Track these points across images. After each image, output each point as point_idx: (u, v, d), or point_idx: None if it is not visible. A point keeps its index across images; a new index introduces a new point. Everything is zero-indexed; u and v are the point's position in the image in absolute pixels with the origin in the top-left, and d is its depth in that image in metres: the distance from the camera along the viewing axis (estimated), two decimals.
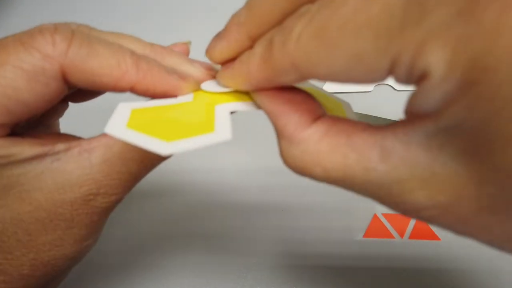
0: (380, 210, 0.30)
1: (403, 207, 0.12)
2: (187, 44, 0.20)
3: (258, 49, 0.13)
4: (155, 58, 0.17)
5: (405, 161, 0.11)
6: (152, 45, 0.18)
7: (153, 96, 0.16)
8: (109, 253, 0.28)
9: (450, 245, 0.29)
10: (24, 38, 0.14)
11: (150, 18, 0.47)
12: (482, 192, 0.10)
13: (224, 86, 0.16)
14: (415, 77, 0.10)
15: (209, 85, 0.17)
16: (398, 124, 0.12)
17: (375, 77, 0.11)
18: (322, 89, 0.18)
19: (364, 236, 0.29)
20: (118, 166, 0.15)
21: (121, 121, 0.13)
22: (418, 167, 0.11)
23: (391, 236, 0.29)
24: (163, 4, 0.48)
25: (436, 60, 0.09)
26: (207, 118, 0.14)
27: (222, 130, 0.13)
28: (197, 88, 0.17)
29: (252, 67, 0.13)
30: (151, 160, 0.16)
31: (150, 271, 0.28)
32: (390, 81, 0.11)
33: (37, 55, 0.14)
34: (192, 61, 0.18)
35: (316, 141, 0.13)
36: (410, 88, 0.11)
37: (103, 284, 0.27)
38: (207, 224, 0.29)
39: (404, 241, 0.29)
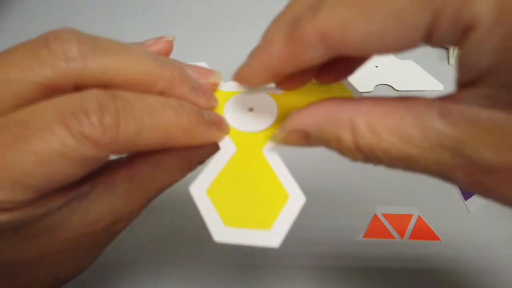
0: (380, 210, 0.30)
1: (473, 170, 0.11)
2: (171, 42, 0.18)
3: (280, 28, 0.13)
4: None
5: (467, 118, 0.11)
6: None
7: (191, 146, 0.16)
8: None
9: (450, 245, 0.29)
10: (72, 122, 0.12)
11: (150, 18, 0.47)
12: None
13: (242, 83, 0.17)
14: (462, 28, 0.09)
15: (227, 87, 0.17)
16: (454, 93, 0.11)
17: (413, 38, 0.11)
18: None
19: (364, 236, 0.29)
20: (139, 194, 0.16)
21: (205, 184, 0.15)
22: (482, 124, 0.10)
23: (391, 236, 0.29)
24: (163, 4, 0.48)
25: (485, 3, 0.09)
26: (270, 190, 0.15)
27: (274, 233, 0.14)
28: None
29: (275, 46, 0.13)
30: (168, 186, 0.17)
31: (150, 273, 0.28)
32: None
33: (86, 144, 0.12)
34: (199, 88, 0.17)
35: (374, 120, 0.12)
36: (452, 47, 0.10)
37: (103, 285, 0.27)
38: (203, 223, 0.29)
39: (404, 241, 0.29)
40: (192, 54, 0.43)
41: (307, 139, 0.15)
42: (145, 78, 0.14)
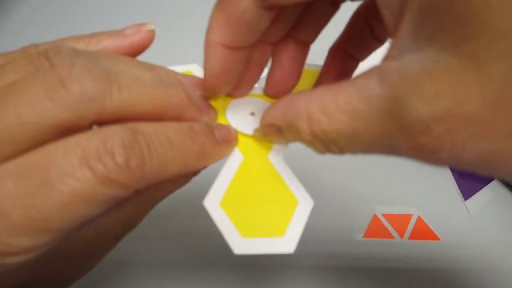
0: (380, 210, 0.30)
1: (412, 131, 0.10)
2: (153, 31, 0.17)
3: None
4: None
5: (399, 72, 0.10)
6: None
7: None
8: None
9: (450, 245, 0.29)
10: (97, 166, 0.12)
11: (149, 18, 0.47)
12: (483, 80, 0.09)
13: (213, 90, 0.17)
14: None
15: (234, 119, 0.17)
16: (389, 48, 0.11)
17: None
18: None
19: (364, 236, 0.29)
20: (147, 204, 0.17)
21: (218, 197, 0.15)
22: (414, 74, 0.10)
23: (391, 236, 0.29)
24: (158, 3, 0.48)
25: None
26: (280, 196, 0.15)
27: (289, 239, 0.15)
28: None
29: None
30: (172, 192, 0.17)
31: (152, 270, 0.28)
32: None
33: (113, 186, 0.12)
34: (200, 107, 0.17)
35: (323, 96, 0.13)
36: None
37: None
38: (206, 223, 0.29)
39: (404, 241, 0.29)
40: (185, 54, 0.43)
41: (280, 132, 0.15)
42: (159, 109, 0.14)
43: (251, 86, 0.18)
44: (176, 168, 0.14)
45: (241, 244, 0.14)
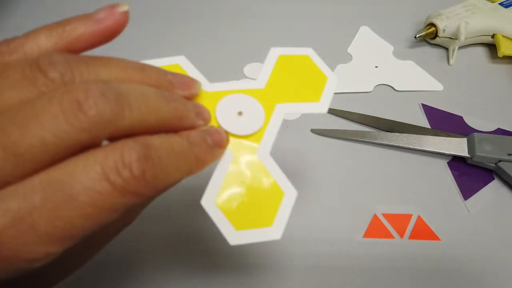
0: (380, 210, 0.30)
1: None
2: (126, 12, 0.17)
3: None
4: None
5: None
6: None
7: None
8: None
9: (450, 245, 0.29)
10: (117, 179, 0.13)
11: (149, 19, 0.47)
12: None
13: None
14: None
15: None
16: None
17: None
18: (312, 59, 0.21)
19: (364, 236, 0.29)
20: (146, 201, 0.19)
21: (213, 196, 0.17)
22: None
23: (391, 236, 0.29)
24: (162, 6, 0.48)
25: None
26: (268, 190, 0.17)
27: (276, 228, 0.17)
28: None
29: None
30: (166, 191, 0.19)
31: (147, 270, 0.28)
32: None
33: (130, 196, 0.13)
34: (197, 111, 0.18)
35: None
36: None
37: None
38: (205, 224, 0.29)
39: (404, 241, 0.29)
40: (172, 47, 0.43)
41: None
42: (162, 122, 0.15)
43: None
44: (180, 175, 0.15)
45: (235, 236, 0.16)
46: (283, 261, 0.28)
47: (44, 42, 0.16)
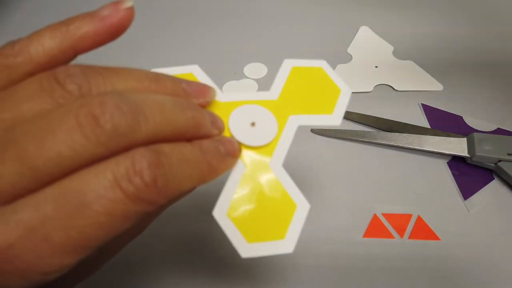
0: (380, 210, 0.30)
1: None
2: (131, 8, 0.17)
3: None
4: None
5: None
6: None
7: None
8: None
9: (450, 245, 0.29)
10: (128, 187, 0.13)
11: (150, 20, 0.47)
12: None
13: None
14: None
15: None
16: None
17: None
18: (327, 73, 0.20)
19: (364, 236, 0.29)
20: (152, 215, 0.20)
21: (225, 208, 0.17)
22: None
23: (391, 236, 0.29)
24: (162, 3, 0.48)
25: None
26: (281, 202, 0.17)
27: (289, 241, 0.16)
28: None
29: None
30: (179, 199, 0.19)
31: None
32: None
33: (143, 204, 0.13)
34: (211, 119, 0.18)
35: None
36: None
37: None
38: (205, 224, 0.29)
39: (404, 241, 0.29)
40: (185, 57, 0.43)
41: None
42: (179, 131, 0.15)
43: None
44: (192, 183, 0.15)
45: (247, 249, 0.16)
46: (283, 261, 0.28)
47: (49, 43, 0.15)
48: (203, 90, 0.18)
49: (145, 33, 0.44)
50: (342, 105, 0.19)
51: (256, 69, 0.40)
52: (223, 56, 0.42)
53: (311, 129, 0.35)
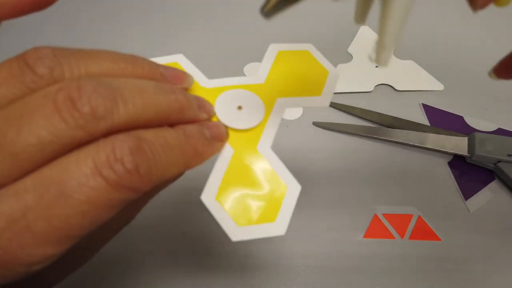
0: (380, 210, 0.30)
1: None
2: None
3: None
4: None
5: None
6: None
7: None
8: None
9: (450, 245, 0.29)
10: (110, 174, 0.13)
11: (149, 17, 0.47)
12: None
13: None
14: None
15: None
16: None
17: None
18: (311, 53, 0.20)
19: (364, 236, 0.29)
20: (145, 199, 0.19)
21: (213, 192, 0.16)
22: None
23: (391, 236, 0.29)
24: (161, 7, 0.48)
25: None
26: (271, 184, 0.17)
27: (280, 223, 0.16)
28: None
29: None
30: (166, 186, 0.19)
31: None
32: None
33: (125, 191, 0.13)
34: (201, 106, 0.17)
35: None
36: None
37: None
38: (205, 224, 0.29)
39: (404, 241, 0.29)
40: (172, 47, 0.43)
41: None
42: (161, 115, 0.15)
43: None
44: (177, 169, 0.15)
45: (237, 232, 0.16)
46: (283, 261, 0.28)
47: None
48: (180, 76, 0.17)
49: (144, 33, 0.44)
50: (330, 87, 0.19)
51: (256, 69, 0.40)
52: (223, 55, 0.42)
53: (313, 122, 0.35)
